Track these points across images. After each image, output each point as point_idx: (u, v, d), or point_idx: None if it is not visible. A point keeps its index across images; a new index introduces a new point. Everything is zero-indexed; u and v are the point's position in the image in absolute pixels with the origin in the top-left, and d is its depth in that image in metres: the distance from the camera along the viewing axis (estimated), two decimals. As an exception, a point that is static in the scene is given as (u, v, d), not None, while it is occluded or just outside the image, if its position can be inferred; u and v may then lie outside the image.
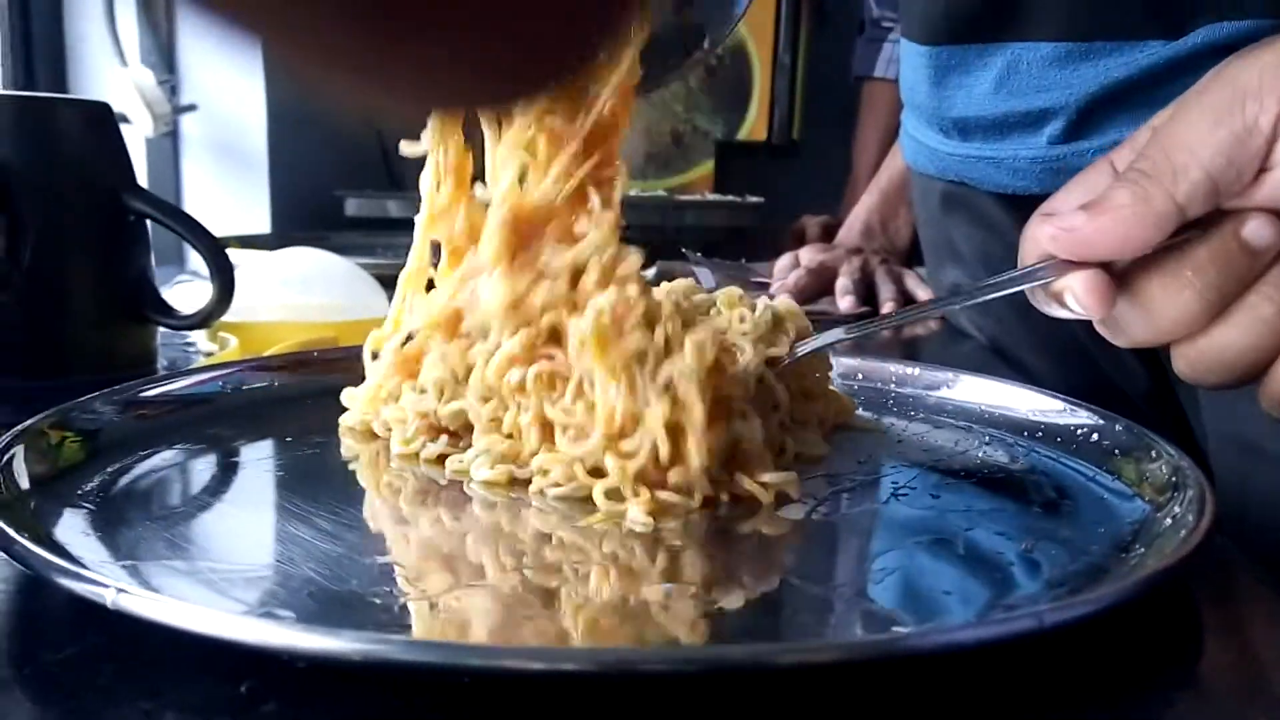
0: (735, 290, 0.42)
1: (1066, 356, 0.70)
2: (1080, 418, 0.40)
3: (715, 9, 0.44)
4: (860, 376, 0.48)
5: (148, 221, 0.53)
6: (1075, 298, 0.32)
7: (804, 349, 0.40)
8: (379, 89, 0.14)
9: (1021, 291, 0.34)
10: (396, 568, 0.30)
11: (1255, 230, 0.30)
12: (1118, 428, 0.38)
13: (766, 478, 0.35)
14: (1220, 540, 0.33)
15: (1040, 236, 0.32)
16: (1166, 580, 0.26)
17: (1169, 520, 0.31)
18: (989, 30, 0.61)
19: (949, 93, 0.65)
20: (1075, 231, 0.30)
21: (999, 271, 0.74)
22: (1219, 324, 0.31)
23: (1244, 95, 0.29)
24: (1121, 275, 0.31)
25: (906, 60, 0.70)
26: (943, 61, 0.64)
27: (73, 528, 0.30)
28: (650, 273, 0.98)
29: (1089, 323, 0.69)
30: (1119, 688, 0.25)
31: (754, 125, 1.55)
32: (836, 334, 0.40)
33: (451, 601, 0.27)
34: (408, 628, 0.26)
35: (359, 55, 0.13)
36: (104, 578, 0.24)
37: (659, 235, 1.22)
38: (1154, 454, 0.35)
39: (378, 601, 0.27)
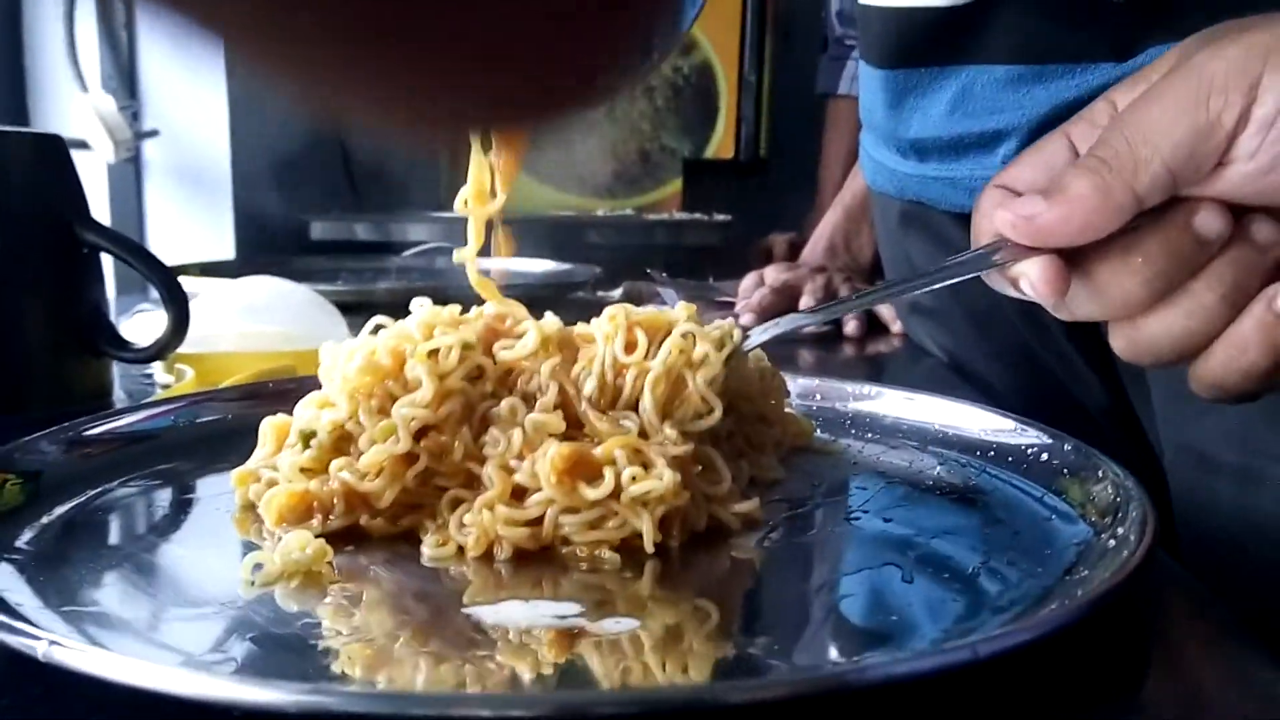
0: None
1: (1024, 371, 0.71)
2: (1030, 437, 0.40)
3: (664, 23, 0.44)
4: (818, 397, 0.48)
5: (103, 253, 0.53)
6: (1031, 285, 0.32)
7: (759, 336, 0.40)
8: (369, 101, 0.14)
9: (977, 278, 0.34)
10: (342, 611, 0.29)
11: (1205, 221, 0.30)
12: (1066, 447, 0.38)
13: (736, 507, 0.35)
14: (1165, 560, 0.33)
15: (998, 220, 0.32)
16: (1106, 604, 0.26)
17: (1112, 542, 0.31)
18: (943, 54, 0.61)
19: (905, 115, 0.66)
20: (1034, 219, 0.31)
21: (960, 285, 0.75)
22: (1162, 307, 0.31)
23: (1209, 89, 0.29)
24: (1072, 254, 0.32)
25: (864, 83, 0.71)
26: (899, 84, 0.65)
27: (10, 574, 0.30)
28: (617, 293, 0.99)
29: (1045, 337, 0.69)
30: (1062, 713, 0.25)
31: (721, 143, 1.55)
32: (796, 318, 0.39)
33: (394, 646, 0.27)
34: (348, 674, 0.26)
35: (357, 76, 0.13)
36: (37, 629, 0.24)
37: (627, 254, 1.22)
38: (1100, 474, 0.35)
39: (319, 646, 0.27)
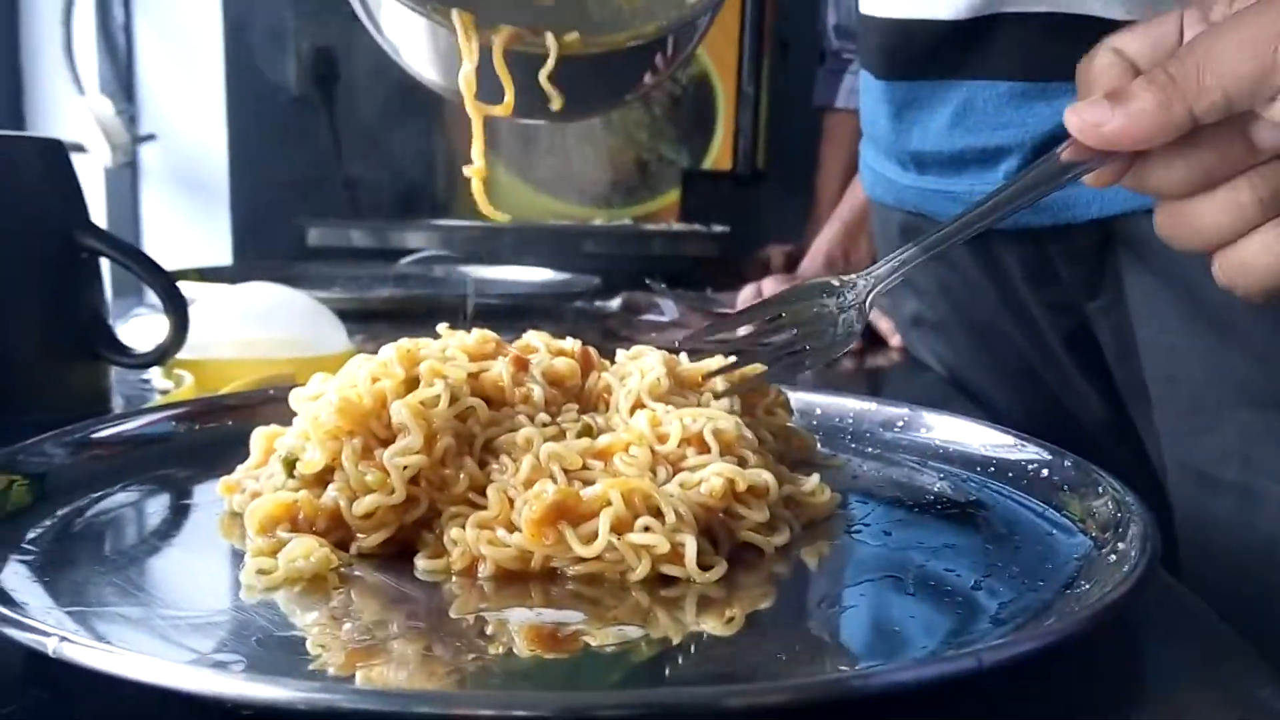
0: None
1: (1024, 386, 0.72)
2: (1030, 453, 0.40)
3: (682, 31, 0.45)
4: (819, 412, 0.48)
5: (102, 258, 0.53)
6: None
7: (882, 281, 0.38)
8: None
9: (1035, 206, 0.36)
10: (345, 614, 0.29)
11: (1261, 131, 0.32)
12: (1066, 463, 0.39)
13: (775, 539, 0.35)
14: (1165, 577, 0.34)
15: (1067, 120, 0.34)
16: (1108, 617, 0.26)
17: (1113, 557, 0.31)
18: (945, 67, 0.61)
19: (906, 127, 0.66)
20: (1100, 127, 0.33)
21: (960, 298, 0.74)
22: (1203, 196, 0.34)
23: (1277, 36, 0.32)
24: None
25: (866, 91, 0.71)
26: (899, 96, 0.65)
27: (18, 574, 0.30)
28: (615, 303, 0.99)
29: (1046, 353, 0.68)
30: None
31: (719, 154, 1.56)
32: (911, 252, 0.38)
33: (397, 649, 0.27)
34: (353, 675, 0.26)
35: None
36: (47, 626, 0.24)
37: (624, 264, 1.22)
38: (1100, 490, 0.36)
39: (324, 647, 0.27)
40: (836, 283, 0.39)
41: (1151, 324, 0.58)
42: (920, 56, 0.62)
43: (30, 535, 0.33)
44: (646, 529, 0.32)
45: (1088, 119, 0.34)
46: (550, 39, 0.41)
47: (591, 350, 0.41)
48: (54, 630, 0.24)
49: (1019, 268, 0.65)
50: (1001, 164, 0.60)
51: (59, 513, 0.35)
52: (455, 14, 0.40)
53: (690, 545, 0.32)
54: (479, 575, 0.32)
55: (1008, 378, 0.72)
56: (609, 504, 0.32)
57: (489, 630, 0.29)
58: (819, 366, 0.40)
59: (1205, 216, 0.34)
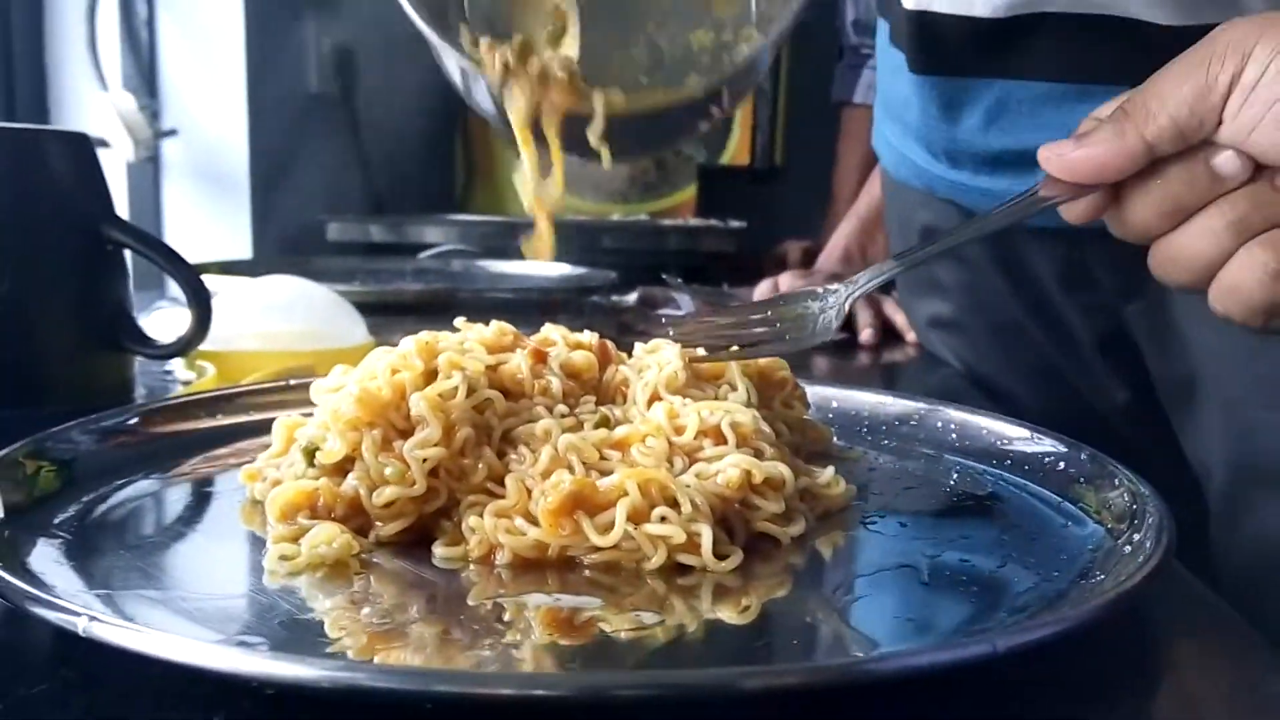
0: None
1: (1047, 385, 0.71)
2: (1045, 446, 0.40)
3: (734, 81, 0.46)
4: (835, 406, 0.48)
5: (126, 250, 0.53)
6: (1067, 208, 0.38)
7: (860, 287, 0.40)
8: None
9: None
10: (364, 598, 0.30)
11: (1223, 160, 0.34)
12: (1082, 456, 0.39)
13: (791, 529, 0.35)
14: (1179, 568, 0.34)
15: (1039, 155, 0.37)
16: (1122, 605, 0.26)
17: (1128, 547, 0.31)
18: (979, 65, 0.60)
19: (937, 120, 0.64)
20: (1063, 157, 0.36)
21: (983, 299, 0.73)
22: (1180, 229, 0.36)
23: (1211, 56, 0.34)
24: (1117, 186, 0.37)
25: (895, 72, 0.69)
26: (931, 90, 0.64)
27: (47, 557, 0.31)
28: (632, 297, 0.99)
29: (1073, 353, 0.67)
30: (1074, 715, 0.25)
31: (736, 150, 1.56)
32: (889, 266, 0.41)
33: (417, 631, 0.28)
34: (373, 657, 0.26)
35: None
36: (76, 606, 0.25)
37: (641, 259, 1.23)
38: (1115, 481, 0.36)
39: (344, 630, 0.28)
40: (820, 290, 0.42)
41: (1200, 325, 0.57)
42: (955, 53, 0.61)
43: (57, 520, 0.34)
44: (663, 519, 0.32)
45: (1054, 151, 0.37)
46: (598, 100, 0.42)
47: (609, 343, 0.41)
48: (83, 610, 0.24)
49: (1051, 270, 0.64)
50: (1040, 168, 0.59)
51: (85, 498, 0.35)
52: (515, 127, 0.43)
53: (706, 535, 0.32)
54: (496, 563, 0.32)
55: (1029, 376, 0.71)
56: (625, 494, 0.33)
57: (507, 616, 0.29)
58: (793, 351, 0.42)
59: (1186, 248, 0.35)
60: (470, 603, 0.30)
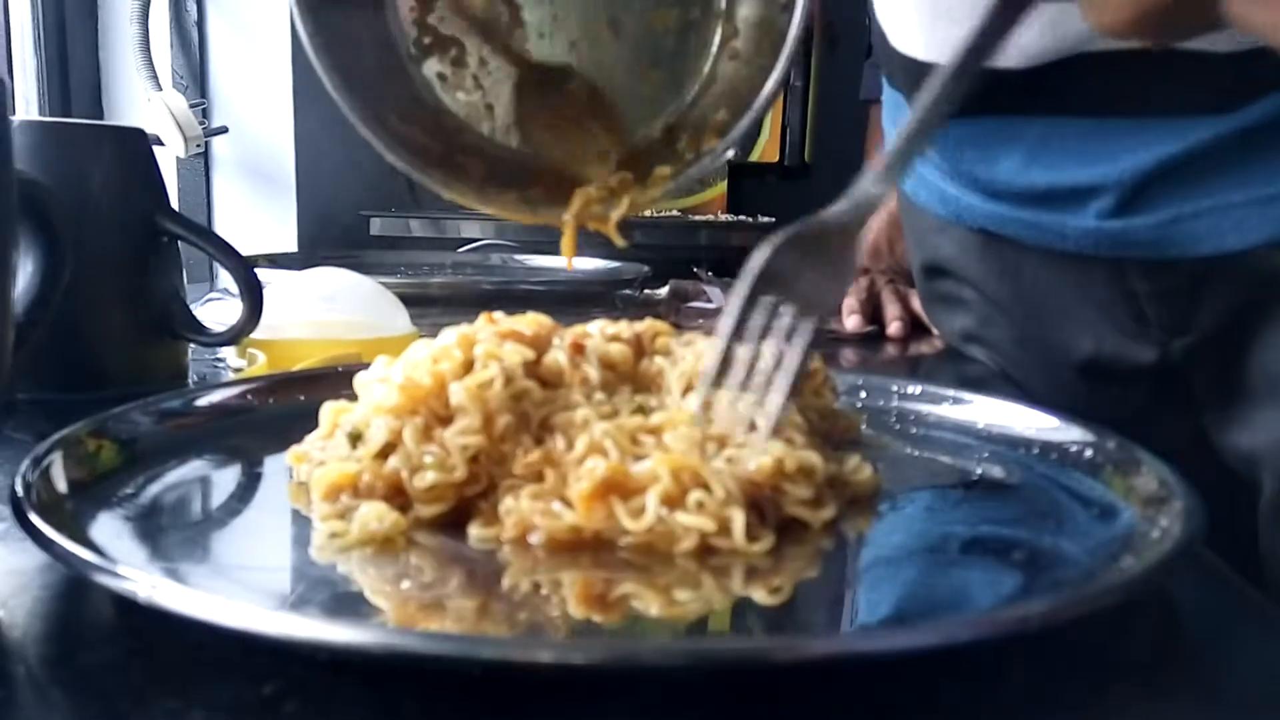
0: None
1: (1069, 382, 0.70)
2: (1073, 434, 0.41)
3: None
4: (863, 394, 0.49)
5: (179, 242, 0.56)
6: None
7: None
8: None
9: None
10: (406, 573, 0.31)
11: None
12: (1109, 444, 0.39)
13: (823, 513, 0.36)
14: (1207, 553, 0.34)
15: None
16: (1148, 585, 0.27)
17: (1155, 532, 0.32)
18: (1012, 108, 0.56)
19: (966, 160, 0.61)
20: None
21: (1019, 320, 0.68)
22: None
23: None
24: None
25: (904, 114, 0.67)
26: (954, 133, 0.60)
27: (108, 529, 0.32)
28: (663, 291, 1.00)
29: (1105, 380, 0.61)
30: (1097, 696, 0.26)
31: (766, 147, 1.56)
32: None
33: (458, 603, 0.29)
34: (416, 625, 0.27)
35: None
36: (139, 575, 0.26)
37: (673, 254, 1.23)
38: (1143, 468, 0.36)
39: (390, 601, 0.29)
40: None
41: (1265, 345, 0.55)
42: (980, 101, 0.56)
43: (118, 495, 0.35)
44: (700, 505, 0.33)
45: None
46: (621, 206, 0.44)
47: (644, 335, 0.42)
48: (145, 578, 0.26)
49: (1094, 304, 0.61)
50: (1092, 204, 0.56)
51: (143, 476, 0.37)
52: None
53: (738, 519, 0.33)
54: (531, 544, 0.33)
55: (1055, 375, 0.70)
56: (658, 480, 0.34)
57: (543, 591, 0.30)
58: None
59: None
60: (507, 579, 0.31)
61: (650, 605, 0.29)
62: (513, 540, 0.34)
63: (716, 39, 0.47)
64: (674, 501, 0.33)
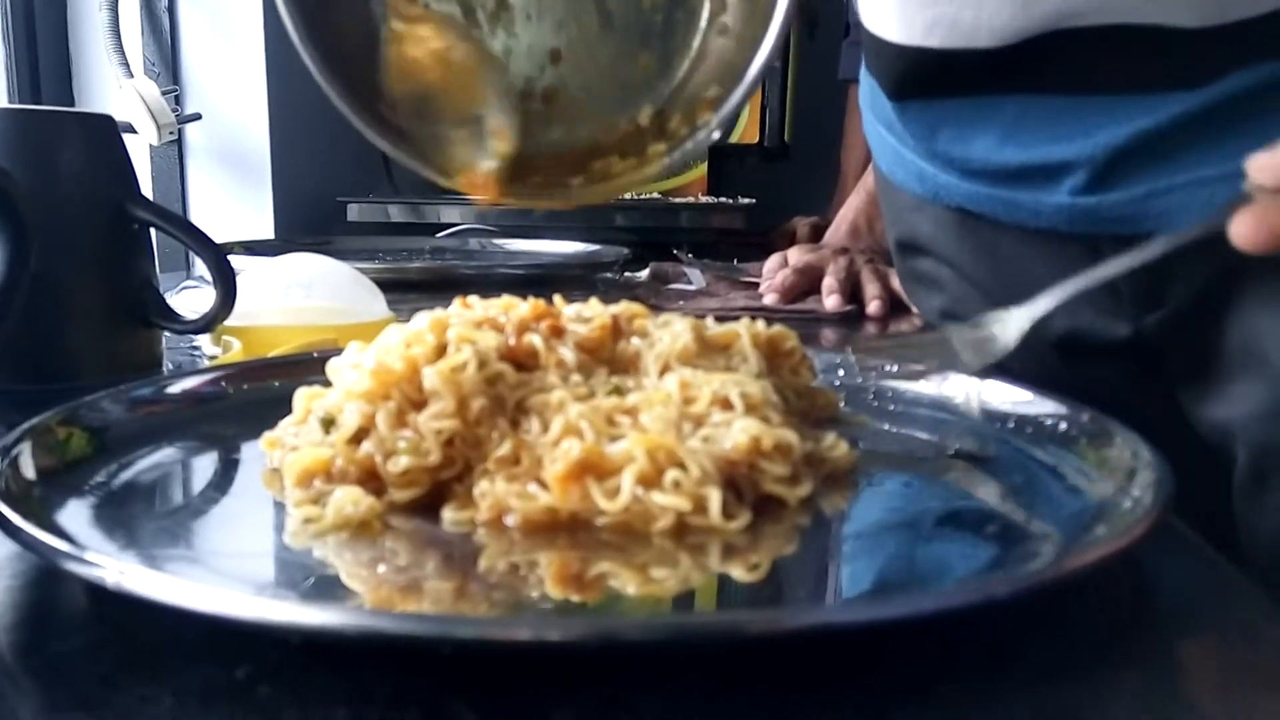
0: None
1: (1045, 359, 0.69)
2: (1047, 408, 0.41)
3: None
4: (841, 373, 0.49)
5: (152, 229, 0.55)
6: None
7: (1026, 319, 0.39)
8: None
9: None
10: (382, 557, 0.31)
11: None
12: (1083, 417, 0.39)
13: (799, 490, 0.36)
14: (1178, 523, 0.34)
15: (1248, 166, 0.32)
16: (1119, 556, 0.27)
17: (1127, 503, 0.32)
18: (985, 87, 0.57)
19: (939, 140, 0.61)
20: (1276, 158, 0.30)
21: (998, 301, 0.70)
22: None
23: None
24: None
25: (877, 92, 0.66)
26: (927, 116, 0.60)
27: (78, 517, 0.32)
28: (644, 273, 1.00)
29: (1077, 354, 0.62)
30: (1067, 664, 0.26)
31: (746, 129, 1.56)
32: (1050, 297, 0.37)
33: (435, 585, 0.29)
34: (393, 608, 0.27)
35: None
36: (107, 561, 0.26)
37: (653, 236, 1.23)
38: (1116, 442, 0.36)
39: (366, 585, 0.29)
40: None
41: (1247, 309, 0.55)
42: (954, 81, 0.58)
43: (88, 483, 0.35)
44: (677, 484, 0.33)
45: (1265, 160, 0.31)
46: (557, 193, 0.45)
47: (621, 317, 0.42)
48: (113, 566, 0.25)
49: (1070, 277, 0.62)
50: (1065, 180, 0.57)
51: (115, 464, 0.37)
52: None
53: (715, 497, 0.33)
54: (506, 525, 0.33)
55: (1040, 354, 0.70)
56: (634, 459, 0.33)
57: (520, 573, 0.30)
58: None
59: None
60: (483, 561, 0.31)
61: (628, 584, 0.29)
62: (488, 523, 0.33)
63: (705, 14, 0.47)
64: (650, 481, 0.33)
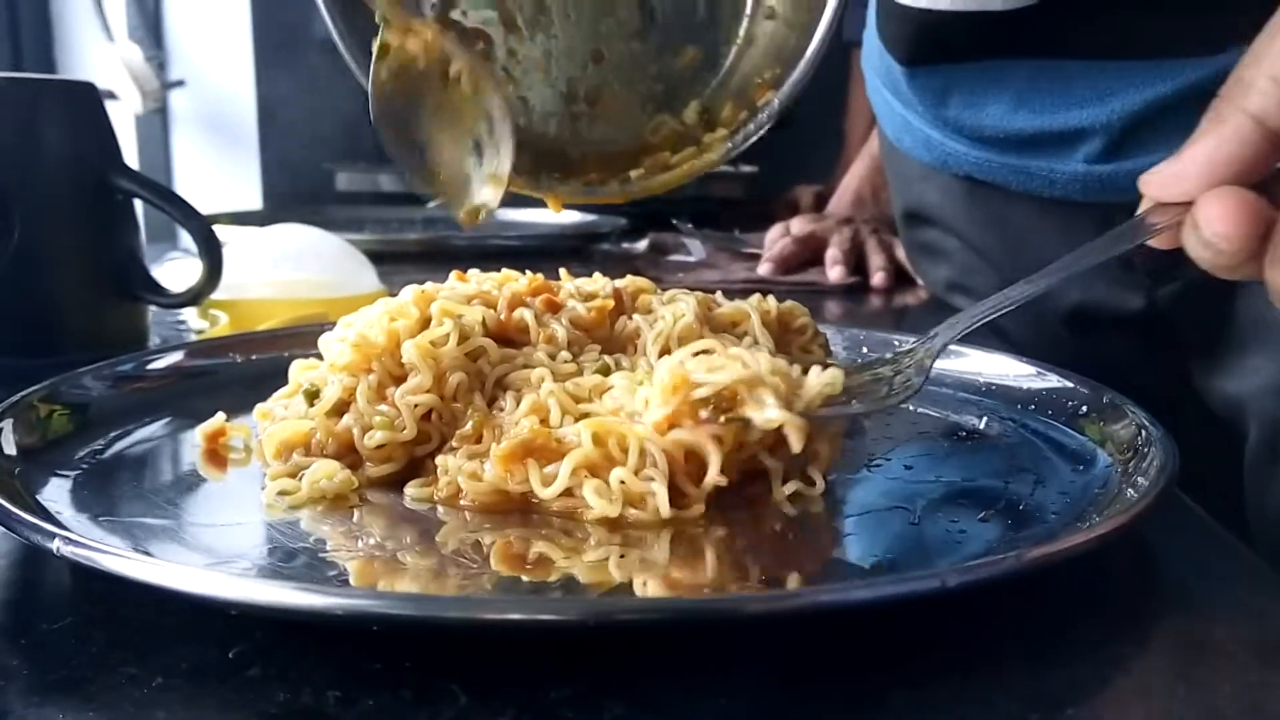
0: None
1: (1055, 332, 0.69)
2: (1052, 382, 0.40)
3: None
4: (865, 350, 0.48)
5: (136, 200, 0.54)
6: (1214, 232, 0.30)
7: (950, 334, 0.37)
8: None
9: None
10: (361, 533, 0.30)
11: None
12: (1088, 391, 0.38)
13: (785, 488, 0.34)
14: (1185, 499, 0.34)
15: (1141, 183, 0.32)
16: (1125, 530, 0.27)
17: (1137, 478, 0.31)
18: (999, 51, 0.55)
19: (950, 107, 0.60)
20: (1163, 173, 0.31)
21: (1007, 276, 0.69)
22: None
23: None
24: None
25: (885, 61, 0.64)
26: (939, 82, 0.59)
27: (59, 492, 0.31)
28: (642, 244, 0.99)
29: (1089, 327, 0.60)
30: (1074, 639, 0.26)
31: (746, 95, 1.54)
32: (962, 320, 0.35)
33: (410, 562, 0.28)
34: (373, 585, 0.27)
35: None
36: (53, 529, 0.25)
37: (652, 206, 1.22)
38: (1122, 415, 0.36)
39: (336, 560, 0.28)
40: (890, 355, 0.38)
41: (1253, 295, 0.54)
42: (967, 45, 0.57)
43: (71, 459, 0.34)
44: (622, 482, 0.31)
45: (1152, 173, 0.31)
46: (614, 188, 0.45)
47: (626, 291, 0.41)
48: (58, 533, 0.25)
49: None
50: (1080, 147, 0.55)
51: (97, 441, 0.36)
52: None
53: (661, 493, 0.31)
54: (462, 504, 0.32)
55: (1050, 327, 0.69)
56: (578, 444, 0.32)
57: (469, 554, 0.29)
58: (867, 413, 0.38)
59: None
60: (438, 539, 0.30)
61: (574, 568, 0.28)
62: (445, 500, 0.33)
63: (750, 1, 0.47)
64: (596, 468, 0.31)
